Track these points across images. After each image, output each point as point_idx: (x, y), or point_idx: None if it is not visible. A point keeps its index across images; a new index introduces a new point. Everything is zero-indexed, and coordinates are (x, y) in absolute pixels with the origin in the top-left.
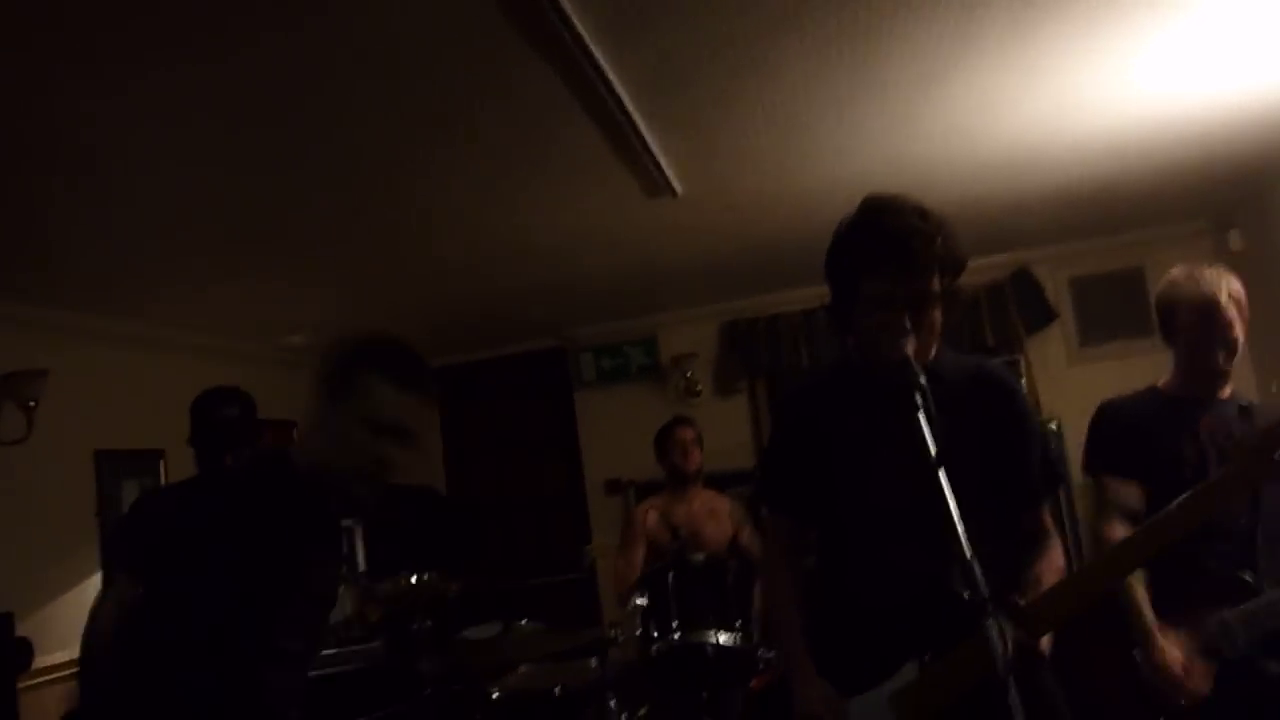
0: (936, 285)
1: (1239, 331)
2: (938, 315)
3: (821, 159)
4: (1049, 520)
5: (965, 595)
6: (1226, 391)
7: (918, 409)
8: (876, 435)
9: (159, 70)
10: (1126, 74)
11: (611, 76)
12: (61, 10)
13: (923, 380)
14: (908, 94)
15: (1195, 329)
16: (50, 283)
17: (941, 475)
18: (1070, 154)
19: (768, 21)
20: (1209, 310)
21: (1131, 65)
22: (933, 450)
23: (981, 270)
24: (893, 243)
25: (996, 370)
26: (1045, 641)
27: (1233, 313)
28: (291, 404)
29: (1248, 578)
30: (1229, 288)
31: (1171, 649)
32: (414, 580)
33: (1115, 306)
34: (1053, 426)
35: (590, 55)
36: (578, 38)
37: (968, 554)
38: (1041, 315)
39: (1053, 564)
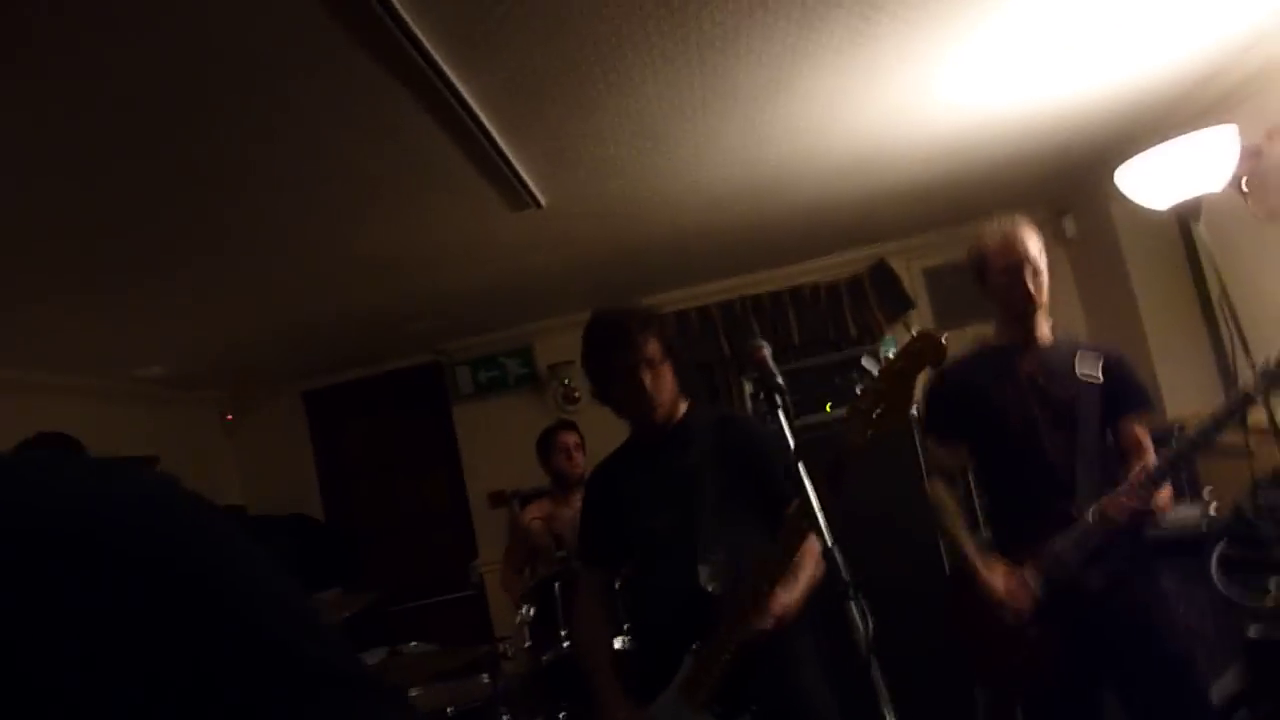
0: (657, 349)
1: (1040, 259)
2: (666, 371)
3: (680, 164)
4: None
5: (710, 589)
6: (1045, 331)
7: (778, 408)
8: (647, 481)
9: None
10: (957, 76)
11: (465, 94)
12: None
13: (779, 380)
14: (758, 100)
15: (1001, 255)
16: None
17: (801, 468)
18: (912, 152)
19: (618, 35)
20: (1010, 239)
21: (961, 68)
22: (791, 443)
23: (842, 265)
24: (609, 328)
25: (737, 414)
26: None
27: (1034, 242)
28: (153, 438)
29: (1073, 511)
30: (1028, 226)
31: (994, 574)
32: None
33: (966, 292)
34: (914, 411)
35: (442, 74)
36: (427, 56)
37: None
38: (900, 304)
39: (809, 549)
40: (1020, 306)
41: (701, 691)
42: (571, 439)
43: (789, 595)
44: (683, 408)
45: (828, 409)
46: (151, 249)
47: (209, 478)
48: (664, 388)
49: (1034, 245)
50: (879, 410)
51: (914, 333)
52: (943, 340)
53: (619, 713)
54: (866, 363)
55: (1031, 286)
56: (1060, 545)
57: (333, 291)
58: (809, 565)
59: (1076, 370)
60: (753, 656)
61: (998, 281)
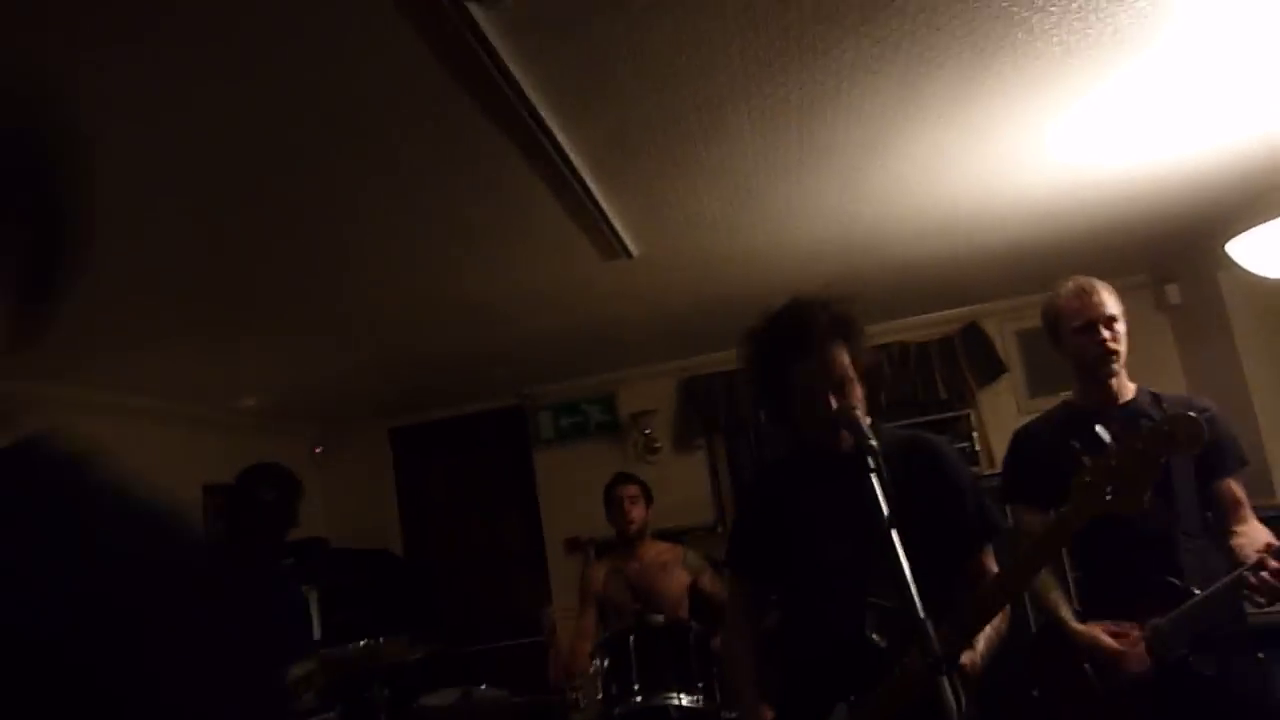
0: (847, 364)
1: (1117, 313)
2: (858, 390)
3: (773, 221)
4: (991, 564)
5: (878, 641)
6: (1128, 389)
7: (871, 471)
8: (821, 505)
9: (117, 151)
10: (1062, 138)
11: (566, 147)
12: None
13: (874, 443)
14: (853, 159)
15: (1074, 310)
16: None
17: (894, 533)
18: (1010, 214)
19: (719, 93)
20: (1084, 292)
21: (1068, 130)
22: (885, 509)
23: (932, 325)
24: (799, 337)
25: (928, 438)
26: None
27: (1108, 297)
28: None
29: (1175, 581)
30: (1101, 285)
31: (1095, 631)
32: (369, 645)
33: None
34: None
35: (546, 128)
36: (533, 111)
37: (919, 610)
38: (992, 368)
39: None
40: (1097, 364)
41: None
42: (629, 491)
43: (976, 656)
44: (867, 424)
45: None
46: (257, 288)
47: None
48: (855, 404)
49: (1111, 302)
50: (1110, 490)
51: (1169, 413)
52: (1202, 427)
53: None
54: (1101, 432)
55: (1109, 340)
56: (1167, 622)
57: (425, 332)
58: (997, 627)
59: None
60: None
61: (1073, 340)
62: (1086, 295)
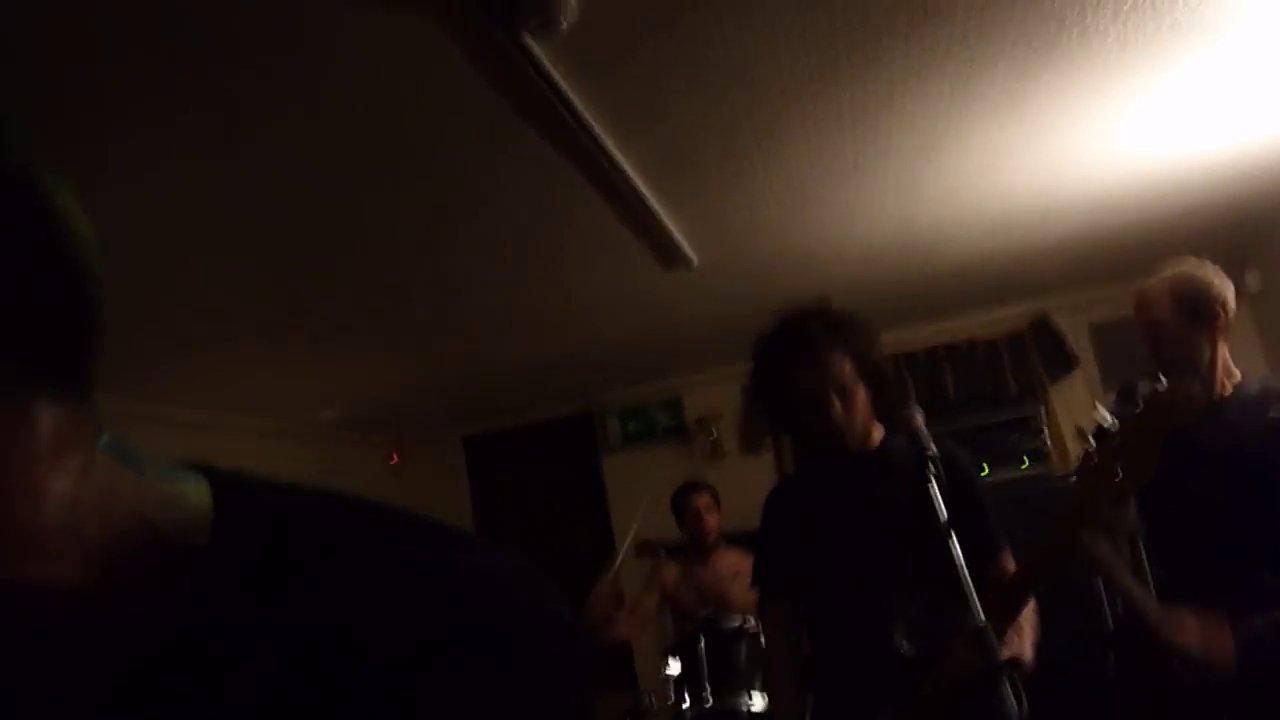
0: (847, 372)
1: (1171, 331)
2: (861, 396)
3: (831, 224)
4: (1011, 566)
5: (906, 650)
6: (1220, 386)
7: (930, 479)
8: (839, 514)
9: (193, 166)
10: (1119, 132)
11: (624, 164)
12: (77, 118)
13: (933, 450)
14: (911, 161)
15: (1139, 326)
16: None
17: (954, 540)
18: (1074, 206)
19: (774, 101)
20: (1138, 306)
21: (1123, 124)
22: (943, 515)
23: (1000, 320)
24: (792, 341)
25: (944, 447)
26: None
27: (1161, 310)
28: (324, 477)
29: (1269, 583)
30: (1173, 284)
31: (1186, 625)
32: None
33: (1137, 349)
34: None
35: (603, 147)
36: (590, 132)
37: (979, 615)
38: (1063, 362)
39: (1029, 614)
40: (1166, 372)
41: None
42: (702, 500)
43: (1026, 651)
44: (878, 434)
45: (985, 470)
46: (335, 305)
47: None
48: (855, 415)
49: (1165, 309)
50: (1120, 467)
51: (1158, 387)
52: (1194, 394)
53: None
54: (1098, 415)
55: (1168, 352)
56: (1264, 625)
57: (496, 344)
58: (1030, 629)
59: (1269, 416)
60: None
61: (1149, 351)
62: (1143, 299)
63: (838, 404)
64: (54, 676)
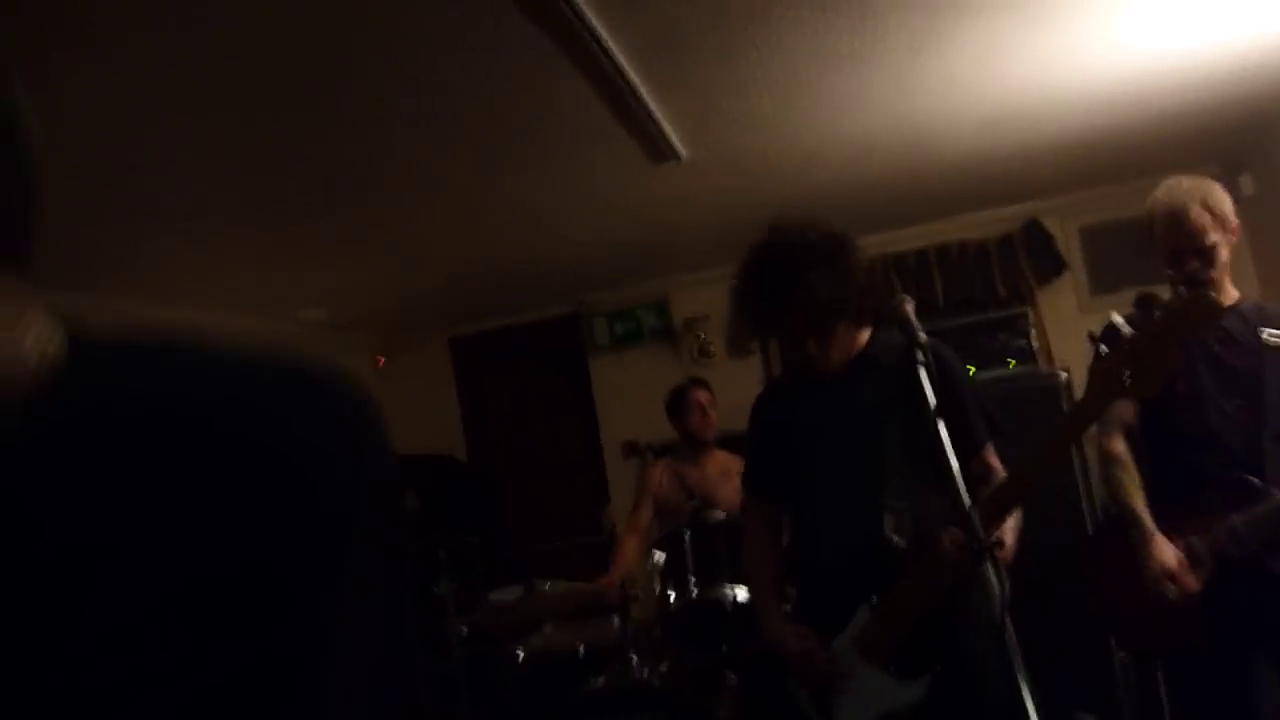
0: (827, 308)
1: (1212, 239)
2: (840, 330)
3: (825, 118)
4: (994, 462)
5: (896, 541)
6: (1226, 295)
7: (919, 365)
8: (824, 414)
9: (172, 64)
10: (1125, 23)
11: (610, 44)
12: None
13: (922, 336)
14: (907, 49)
15: (1166, 238)
16: (52, 262)
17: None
18: (1073, 104)
19: None
20: (1176, 219)
21: (1129, 14)
22: (932, 401)
23: (991, 222)
24: (776, 266)
25: (930, 342)
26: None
27: (1205, 220)
28: None
29: (1254, 480)
30: (1203, 196)
31: (1164, 549)
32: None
33: (1126, 254)
34: (1063, 376)
35: (590, 26)
36: (577, 10)
37: (964, 497)
38: (1052, 265)
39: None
40: (1193, 272)
41: (879, 648)
42: (704, 397)
43: (1008, 545)
44: (864, 336)
45: (971, 371)
46: (314, 194)
47: None
48: (835, 349)
49: (1206, 221)
50: (1129, 375)
51: (1181, 292)
52: (1216, 300)
53: (796, 633)
54: (1116, 319)
55: (1198, 269)
56: (1241, 522)
57: (479, 241)
58: (1013, 520)
59: (1262, 336)
60: (939, 616)
61: (1165, 264)
62: (1178, 225)
63: (814, 343)
64: None
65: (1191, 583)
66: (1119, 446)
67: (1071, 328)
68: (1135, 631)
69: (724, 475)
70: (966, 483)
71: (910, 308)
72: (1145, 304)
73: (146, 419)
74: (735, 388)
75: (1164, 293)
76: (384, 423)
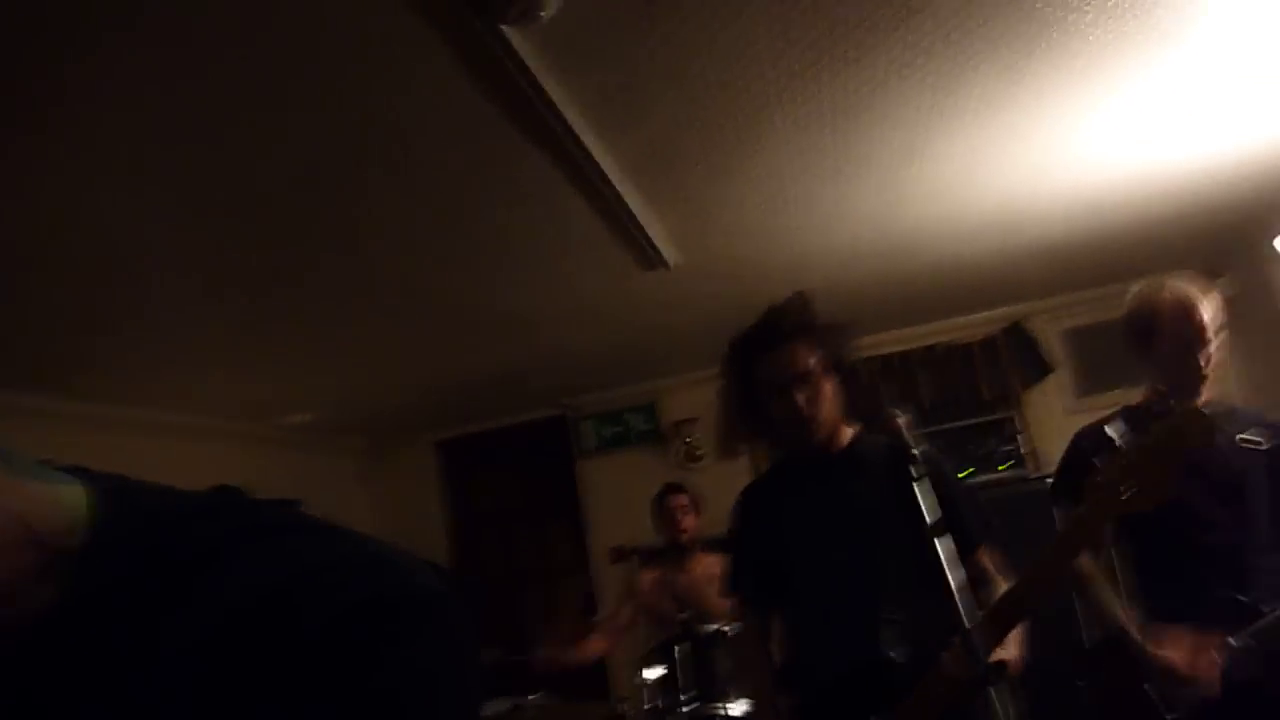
0: (814, 362)
1: (1217, 337)
2: (828, 388)
3: (811, 228)
4: (988, 563)
5: (895, 657)
6: (1203, 398)
7: (914, 479)
8: (813, 515)
9: (158, 173)
10: (1101, 134)
11: (600, 161)
12: (45, 112)
13: (915, 451)
14: (891, 164)
15: (1175, 331)
16: (35, 368)
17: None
18: (1052, 211)
19: (753, 104)
20: (1187, 312)
21: (1106, 126)
22: (930, 515)
23: (976, 326)
24: (763, 334)
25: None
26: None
27: (1210, 315)
28: (296, 483)
29: (1243, 598)
30: (1207, 293)
31: (1171, 645)
32: None
33: (1112, 356)
34: (1049, 481)
35: (579, 143)
36: (567, 127)
37: (965, 619)
38: (1038, 369)
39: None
40: (1186, 382)
41: None
42: (679, 501)
43: (1016, 654)
44: (849, 433)
45: (969, 471)
46: (307, 307)
47: (345, 522)
48: (823, 407)
49: (1210, 315)
50: (1130, 490)
51: (1178, 409)
52: (1211, 420)
53: None
54: (1112, 431)
55: (1203, 365)
56: (1240, 641)
57: (468, 347)
58: (1016, 635)
59: (1237, 439)
60: None
61: (1165, 350)
62: (1188, 318)
63: (801, 394)
64: None
65: (1210, 673)
66: (1089, 565)
67: (1059, 430)
68: None
69: (711, 580)
70: (964, 589)
71: (903, 421)
72: (1133, 415)
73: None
74: (725, 490)
75: (1140, 398)
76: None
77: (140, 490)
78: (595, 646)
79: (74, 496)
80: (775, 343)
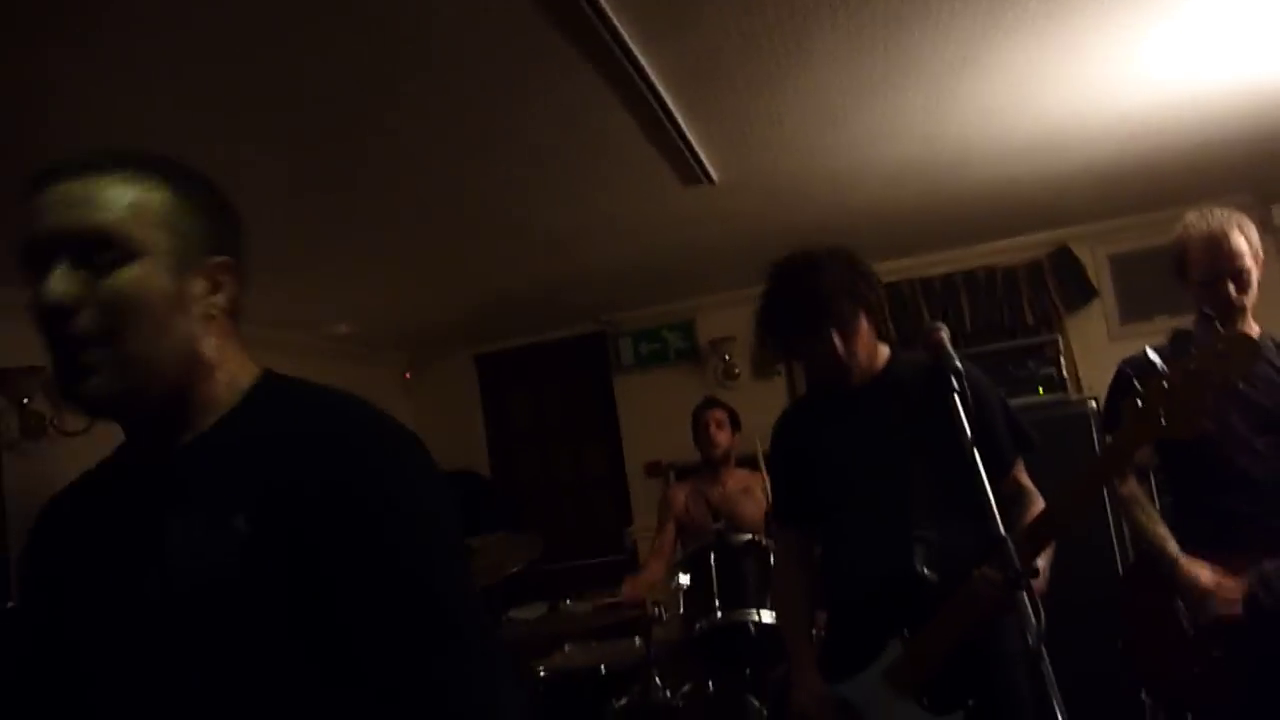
0: (850, 307)
1: (1248, 263)
2: (863, 327)
3: (857, 143)
4: (1025, 480)
5: (928, 574)
6: (1252, 330)
7: (954, 392)
8: (848, 441)
9: (201, 66)
10: (1161, 51)
11: (648, 70)
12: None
13: (957, 364)
14: (941, 77)
15: (1203, 261)
16: None
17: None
18: (1106, 133)
19: (802, 11)
20: (1216, 242)
21: (1166, 42)
22: (968, 433)
23: (1020, 249)
24: (793, 282)
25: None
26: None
27: (1242, 244)
28: None
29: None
30: (1239, 222)
31: (1195, 568)
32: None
33: (1157, 283)
34: (1092, 404)
35: (628, 50)
36: (615, 33)
37: (999, 527)
38: (1082, 293)
39: (1034, 515)
40: (1220, 313)
41: (912, 681)
42: (716, 416)
43: (1042, 578)
44: (884, 354)
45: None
46: (351, 219)
47: None
48: (858, 349)
49: (1244, 247)
50: (1164, 414)
51: (1215, 325)
52: (1255, 343)
53: (809, 701)
54: (1152, 354)
55: (1234, 295)
56: (1273, 569)
57: (508, 261)
58: (1044, 556)
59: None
60: (971, 649)
61: (1197, 283)
62: (1217, 247)
63: (839, 340)
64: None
65: (1233, 594)
66: (1134, 488)
67: (1101, 356)
68: (1163, 680)
69: (745, 491)
70: (999, 505)
71: (945, 335)
72: (1181, 339)
73: (288, 438)
74: (761, 409)
75: (1191, 324)
76: (414, 461)
77: (287, 380)
78: (656, 571)
79: (252, 369)
80: (811, 291)
